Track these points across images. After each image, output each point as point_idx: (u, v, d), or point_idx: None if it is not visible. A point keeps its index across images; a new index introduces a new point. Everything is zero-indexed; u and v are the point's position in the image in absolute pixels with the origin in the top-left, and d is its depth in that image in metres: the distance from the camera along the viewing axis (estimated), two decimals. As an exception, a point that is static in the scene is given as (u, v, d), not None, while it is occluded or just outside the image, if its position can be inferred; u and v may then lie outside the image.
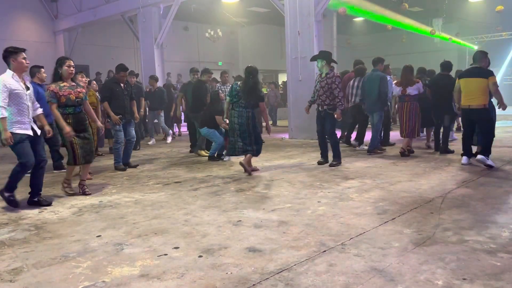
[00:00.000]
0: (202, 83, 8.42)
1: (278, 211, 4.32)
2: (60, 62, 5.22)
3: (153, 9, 13.98)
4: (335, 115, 6.66)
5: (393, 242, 3.34)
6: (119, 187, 5.82)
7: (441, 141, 7.78)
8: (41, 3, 17.57)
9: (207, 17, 19.77)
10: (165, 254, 3.24)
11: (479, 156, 6.23)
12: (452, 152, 7.49)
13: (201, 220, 4.10)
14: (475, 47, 24.19)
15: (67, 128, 5.09)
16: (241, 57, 23.47)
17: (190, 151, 8.88)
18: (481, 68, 6.28)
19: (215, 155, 7.85)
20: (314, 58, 7.04)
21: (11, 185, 4.83)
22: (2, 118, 4.43)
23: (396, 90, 7.67)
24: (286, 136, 11.14)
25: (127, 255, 3.26)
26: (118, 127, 6.88)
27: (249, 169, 6.35)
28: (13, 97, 4.51)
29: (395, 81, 7.98)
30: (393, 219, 3.93)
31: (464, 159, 6.50)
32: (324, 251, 3.20)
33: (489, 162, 6.15)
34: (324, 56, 6.79)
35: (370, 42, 25.22)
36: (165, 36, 14.14)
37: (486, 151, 6.21)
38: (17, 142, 4.58)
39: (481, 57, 6.33)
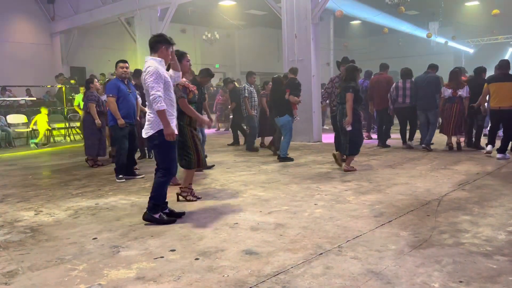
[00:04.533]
0: (280, 82, 8.00)
1: (275, 213, 4.32)
2: (181, 55, 4.79)
3: (150, 11, 13.99)
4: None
5: (389, 244, 3.34)
6: (116, 189, 5.81)
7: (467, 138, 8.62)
8: (37, 5, 17.56)
9: (204, 20, 19.81)
10: (162, 257, 3.23)
11: (498, 155, 7.18)
12: (483, 148, 7.99)
13: (197, 223, 4.09)
14: (471, 50, 24.35)
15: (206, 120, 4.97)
16: (238, 59, 23.52)
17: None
18: (509, 74, 7.24)
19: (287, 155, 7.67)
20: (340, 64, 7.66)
21: (158, 202, 4.13)
22: (163, 110, 3.86)
23: (447, 92, 8.14)
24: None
25: (123, 258, 3.24)
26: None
27: (349, 168, 6.46)
28: (165, 86, 3.99)
29: (445, 84, 8.46)
30: (389, 221, 3.94)
31: (489, 147, 7.43)
32: (321, 253, 3.19)
33: (508, 156, 7.16)
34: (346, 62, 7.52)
35: (367, 45, 25.32)
36: (162, 38, 14.11)
37: (503, 149, 7.17)
38: (172, 142, 4.02)
39: (508, 65, 7.34)
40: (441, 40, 21.98)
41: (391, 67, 9.86)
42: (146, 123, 4.07)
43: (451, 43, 22.76)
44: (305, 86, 10.32)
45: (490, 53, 23.55)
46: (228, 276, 2.85)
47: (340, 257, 3.12)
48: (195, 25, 20.96)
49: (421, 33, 21.21)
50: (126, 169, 6.47)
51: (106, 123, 7.72)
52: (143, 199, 5.14)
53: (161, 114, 3.87)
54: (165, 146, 4.03)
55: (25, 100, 14.69)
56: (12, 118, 12.97)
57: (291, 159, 7.65)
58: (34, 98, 15.09)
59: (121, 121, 6.22)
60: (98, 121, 7.57)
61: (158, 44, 4.08)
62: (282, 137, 7.74)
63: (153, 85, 3.85)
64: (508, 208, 4.28)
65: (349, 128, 6.33)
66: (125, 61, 6.52)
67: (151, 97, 3.87)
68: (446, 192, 5.00)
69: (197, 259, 3.17)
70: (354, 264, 2.99)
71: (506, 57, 23.90)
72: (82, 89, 11.12)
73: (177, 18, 15.72)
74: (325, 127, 13.36)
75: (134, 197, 5.27)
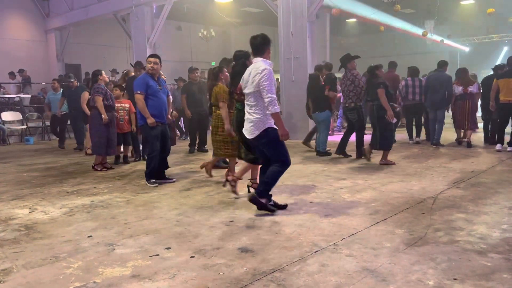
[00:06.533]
0: (318, 78, 8.12)
1: (270, 211, 4.31)
2: (248, 55, 4.84)
3: (146, 8, 13.92)
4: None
5: (384, 242, 3.35)
6: (111, 187, 5.79)
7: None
8: (32, 1, 17.42)
9: (200, 17, 19.75)
10: (157, 255, 3.23)
11: (508, 148, 7.69)
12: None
13: (193, 221, 4.08)
14: (466, 49, 24.45)
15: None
16: (234, 57, 23.45)
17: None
18: None
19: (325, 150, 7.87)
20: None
21: (269, 188, 4.26)
22: (278, 112, 4.04)
23: (458, 89, 8.52)
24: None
25: (118, 256, 3.24)
26: None
27: (385, 161, 6.76)
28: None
29: (455, 81, 8.77)
30: (385, 219, 3.95)
31: (498, 146, 7.87)
32: (316, 251, 3.20)
33: None
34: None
35: (363, 43, 25.33)
36: (158, 35, 14.08)
37: None
38: (278, 138, 4.16)
39: None
40: (437, 38, 22.03)
41: (387, 65, 9.90)
42: (249, 124, 4.17)
43: (447, 42, 22.81)
44: (302, 84, 10.33)
45: (485, 52, 23.67)
46: (223, 273, 2.85)
47: (335, 255, 3.12)
48: (191, 22, 20.88)
49: (416, 31, 21.26)
50: (158, 173, 5.91)
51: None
52: (139, 197, 5.14)
53: (277, 116, 4.04)
54: (273, 142, 4.17)
55: (19, 97, 14.61)
56: (7, 116, 12.90)
57: (329, 154, 7.87)
58: (29, 96, 15.00)
59: (150, 120, 5.58)
60: (105, 116, 6.83)
61: (265, 46, 4.19)
62: (319, 133, 7.94)
63: (269, 88, 3.98)
64: (502, 206, 4.31)
65: (394, 121, 6.61)
66: (155, 56, 5.85)
67: (267, 99, 3.98)
68: (441, 190, 5.02)
69: (192, 256, 3.17)
70: (350, 261, 2.99)
71: (501, 56, 24.08)
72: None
73: (172, 15, 15.64)
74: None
75: (130, 195, 5.25)
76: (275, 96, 3.99)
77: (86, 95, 8.65)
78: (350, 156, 7.53)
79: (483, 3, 18.63)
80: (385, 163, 6.74)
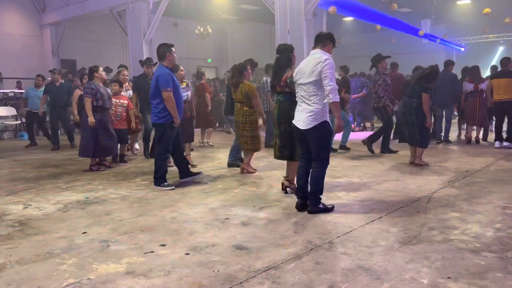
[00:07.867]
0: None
1: (266, 209, 4.32)
2: (292, 49, 4.86)
3: (142, 4, 13.87)
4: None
5: (379, 240, 3.36)
6: (106, 183, 5.77)
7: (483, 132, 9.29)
8: (27, -5, 17.29)
9: (197, 14, 19.69)
10: (152, 252, 3.22)
11: (505, 143, 8.01)
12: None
13: (188, 218, 4.08)
14: (462, 49, 24.54)
15: None
16: (231, 54, 23.42)
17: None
18: (508, 70, 8.08)
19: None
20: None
21: (320, 195, 4.19)
22: (338, 102, 4.02)
23: (469, 86, 8.81)
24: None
25: (113, 252, 3.23)
26: None
27: (413, 160, 6.65)
28: None
29: (467, 78, 9.03)
30: (379, 218, 3.96)
31: (497, 143, 8.13)
32: (311, 249, 3.20)
33: None
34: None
35: (360, 42, 25.33)
36: (154, 32, 14.03)
37: (510, 138, 8.00)
38: (330, 135, 4.20)
39: (507, 62, 8.18)
40: (433, 37, 22.09)
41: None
42: (307, 114, 4.11)
43: (443, 41, 22.87)
44: (298, 82, 10.32)
45: (481, 52, 23.73)
46: (218, 271, 2.85)
47: (330, 253, 3.13)
48: (188, 19, 20.81)
49: (413, 30, 21.30)
50: (183, 170, 5.64)
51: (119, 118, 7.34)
52: (134, 193, 5.12)
53: (337, 105, 4.06)
54: (326, 138, 4.17)
55: (14, 92, 14.51)
56: (1, 111, 12.81)
57: (348, 149, 8.07)
58: (24, 91, 14.91)
59: (178, 121, 5.27)
60: (91, 118, 6.36)
61: (327, 40, 4.27)
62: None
63: (332, 76, 4.03)
64: (496, 205, 4.33)
65: (431, 127, 6.59)
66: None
67: (329, 87, 3.98)
68: (435, 189, 5.04)
69: (187, 254, 3.16)
70: (344, 259, 3.00)
71: (496, 56, 24.16)
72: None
73: (169, 11, 15.60)
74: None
75: (125, 191, 5.24)
76: (336, 86, 4.02)
77: (77, 93, 8.42)
78: (396, 151, 7.77)
79: (479, 3, 18.69)
80: (421, 163, 6.50)
